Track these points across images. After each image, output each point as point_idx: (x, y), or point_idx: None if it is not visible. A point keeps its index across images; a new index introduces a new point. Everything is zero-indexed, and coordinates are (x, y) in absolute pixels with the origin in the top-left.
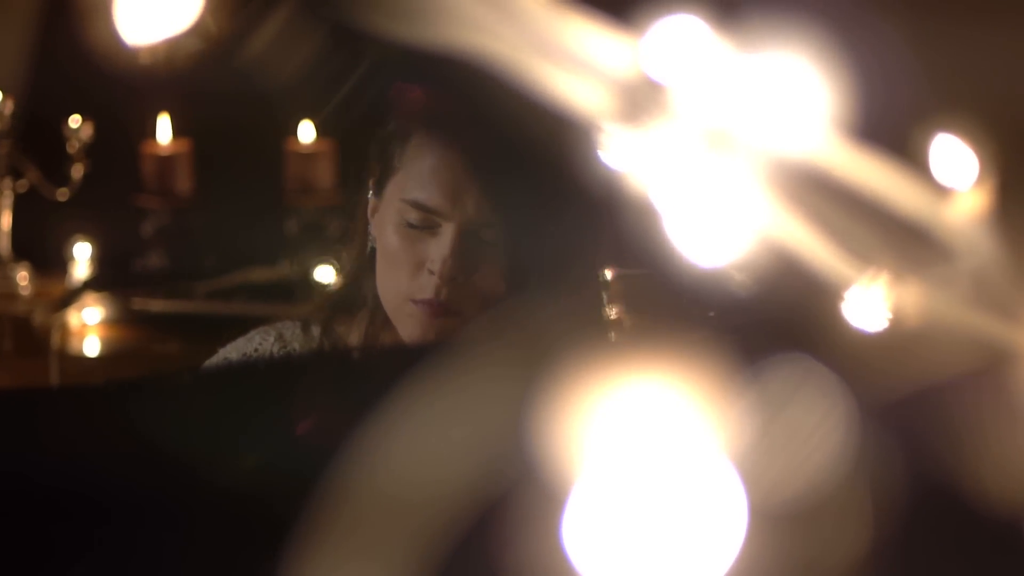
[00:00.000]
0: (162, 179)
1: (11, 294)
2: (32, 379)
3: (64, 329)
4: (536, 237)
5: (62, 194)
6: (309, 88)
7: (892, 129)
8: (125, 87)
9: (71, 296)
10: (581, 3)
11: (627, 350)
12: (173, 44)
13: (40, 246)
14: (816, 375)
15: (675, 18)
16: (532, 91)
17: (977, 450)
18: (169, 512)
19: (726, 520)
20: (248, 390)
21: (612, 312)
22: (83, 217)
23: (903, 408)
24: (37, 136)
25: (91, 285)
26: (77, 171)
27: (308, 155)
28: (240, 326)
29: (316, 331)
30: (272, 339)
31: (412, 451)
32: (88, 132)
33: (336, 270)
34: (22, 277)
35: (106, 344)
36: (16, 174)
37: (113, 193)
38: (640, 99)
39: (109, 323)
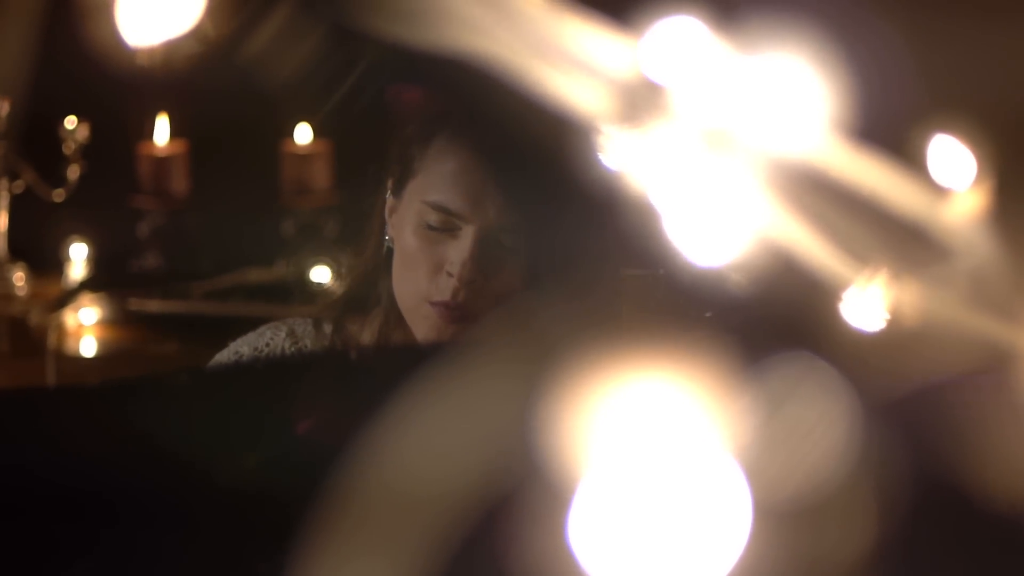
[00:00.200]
0: (158, 180)
1: (7, 295)
2: (29, 379)
3: (60, 329)
4: (555, 242)
5: (58, 195)
6: (307, 89)
7: (890, 130)
8: (121, 88)
9: (67, 297)
10: (580, 5)
11: (631, 349)
12: (172, 46)
13: (36, 247)
14: (819, 373)
15: (674, 19)
16: (535, 93)
17: (980, 448)
18: (167, 511)
19: (731, 517)
20: (247, 390)
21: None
22: (79, 218)
23: (905, 406)
24: (33, 137)
25: (87, 286)
26: (73, 172)
27: (304, 156)
28: (236, 326)
29: (328, 329)
30: (283, 335)
31: (419, 449)
32: (84, 133)
33: (339, 269)
34: (18, 278)
35: (102, 344)
36: (12, 175)
37: (109, 194)
38: (639, 100)
39: (105, 323)
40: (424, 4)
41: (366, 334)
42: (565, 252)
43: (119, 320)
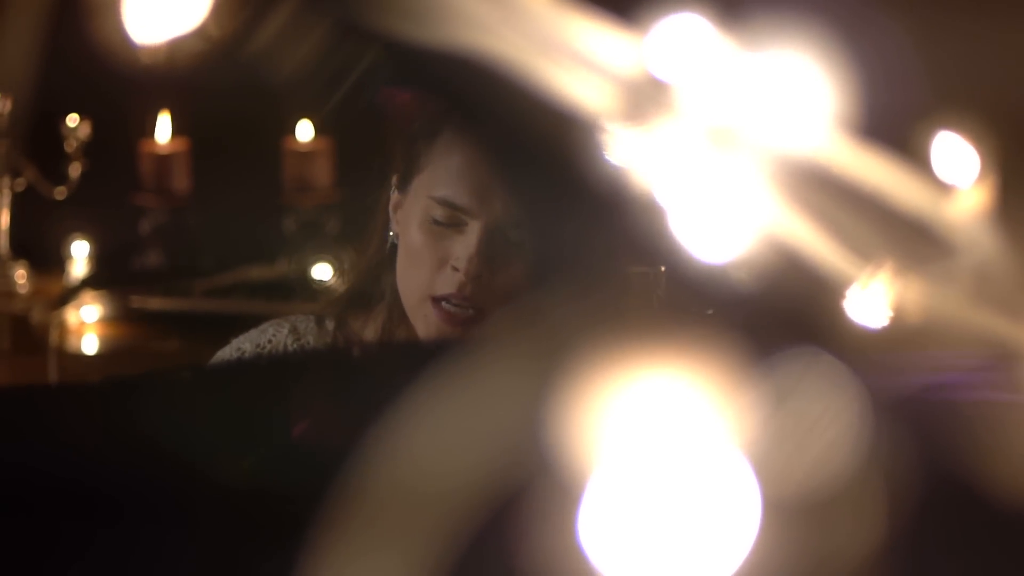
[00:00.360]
0: (160, 178)
1: (9, 292)
2: (30, 377)
3: (62, 327)
4: (561, 237)
5: (60, 192)
6: (309, 86)
7: (894, 127)
8: (123, 86)
9: (69, 294)
10: (586, 2)
11: (640, 345)
12: (176, 44)
13: (38, 244)
14: (827, 368)
15: (679, 17)
16: (541, 90)
17: (987, 444)
18: (169, 509)
19: (740, 513)
20: (249, 388)
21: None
22: (81, 215)
23: (913, 401)
24: (35, 135)
25: (89, 283)
26: (75, 170)
27: (306, 154)
28: (238, 324)
29: (330, 325)
30: (286, 331)
31: (429, 446)
32: (86, 131)
33: (341, 266)
34: (20, 275)
35: (104, 342)
36: (14, 172)
37: (111, 191)
38: (644, 97)
39: (107, 321)
40: (429, 1)
41: (369, 331)
42: (571, 248)
43: (121, 318)
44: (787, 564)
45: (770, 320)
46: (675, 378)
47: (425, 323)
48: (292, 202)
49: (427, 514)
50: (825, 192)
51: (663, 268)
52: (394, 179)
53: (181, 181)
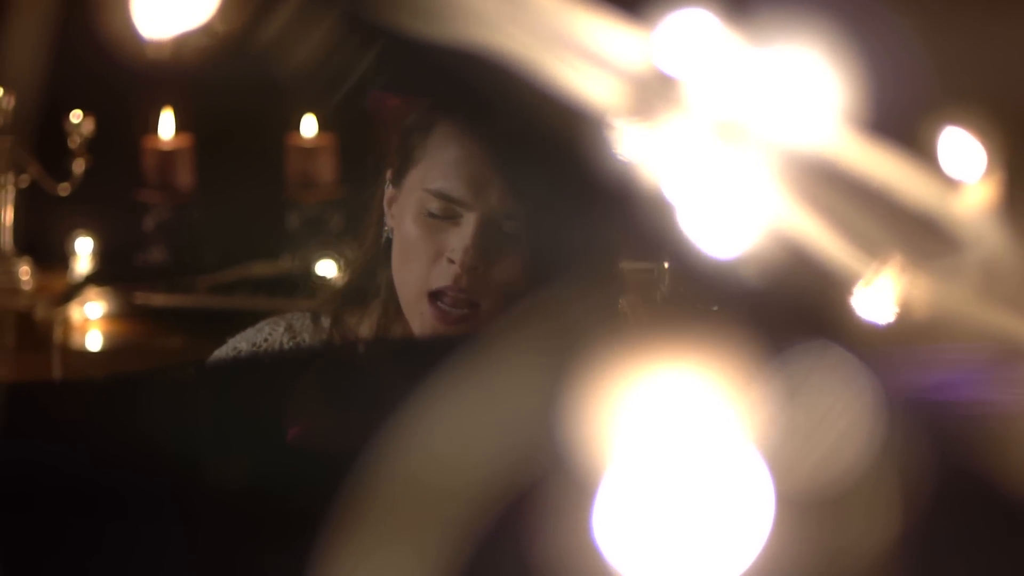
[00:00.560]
0: (164, 174)
1: (13, 289)
2: (34, 374)
3: (66, 324)
4: (557, 230)
5: (64, 189)
6: (313, 82)
7: (901, 122)
8: (127, 82)
9: (73, 291)
10: None
11: (653, 341)
12: (182, 40)
13: (42, 241)
14: (841, 363)
15: (687, 12)
16: (546, 85)
17: (999, 440)
18: (167, 507)
19: (754, 508)
20: (249, 388)
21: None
22: (85, 212)
23: (925, 397)
24: (39, 131)
25: (93, 280)
26: (79, 166)
27: (310, 149)
28: (242, 320)
29: (326, 322)
30: (282, 330)
31: (444, 442)
32: (89, 127)
33: (341, 263)
34: (24, 272)
35: (108, 339)
36: (18, 169)
37: (115, 188)
38: (652, 93)
39: (111, 318)
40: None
41: (365, 327)
42: (567, 240)
43: (124, 314)
44: (800, 559)
45: (778, 315)
46: (688, 374)
47: (421, 321)
48: (296, 198)
49: (441, 511)
50: (832, 187)
51: (666, 264)
52: (389, 174)
53: (185, 177)
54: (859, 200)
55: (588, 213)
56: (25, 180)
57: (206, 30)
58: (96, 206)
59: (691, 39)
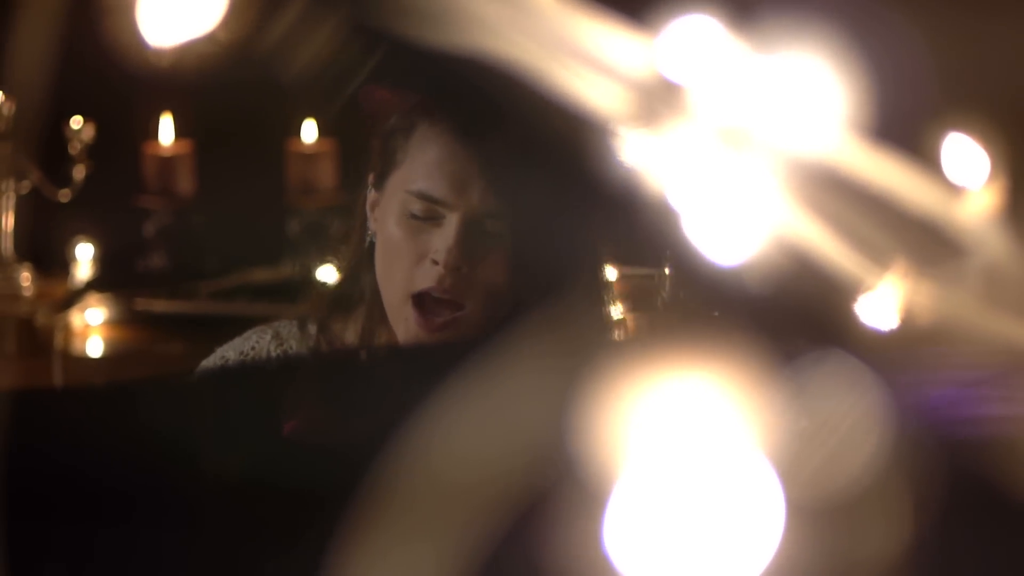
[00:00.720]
0: (164, 179)
1: (14, 295)
2: (35, 380)
3: (67, 330)
4: (540, 229)
5: (64, 195)
6: (314, 88)
7: (905, 128)
8: (127, 88)
9: (74, 297)
10: (596, 3)
11: (662, 348)
12: (187, 48)
13: (43, 247)
14: (850, 370)
15: (691, 18)
16: (544, 88)
17: (1009, 448)
18: (175, 509)
19: (764, 516)
20: (240, 392)
21: (618, 311)
22: (85, 218)
23: (935, 405)
24: (39, 137)
25: (94, 286)
26: (79, 172)
27: (310, 155)
28: (242, 326)
29: (313, 329)
30: (269, 338)
31: (456, 448)
32: (90, 133)
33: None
34: (25, 278)
35: (109, 345)
36: (19, 175)
37: (115, 194)
38: (657, 99)
39: (112, 324)
40: (437, 3)
41: (350, 333)
42: (552, 241)
43: (125, 320)
44: (811, 567)
45: (781, 321)
46: (698, 382)
47: (405, 326)
48: (296, 204)
49: (451, 519)
50: (836, 194)
51: (667, 269)
52: (370, 177)
53: (185, 183)
54: (863, 206)
55: (571, 213)
56: (26, 186)
57: (210, 38)
58: (97, 212)
59: (695, 45)
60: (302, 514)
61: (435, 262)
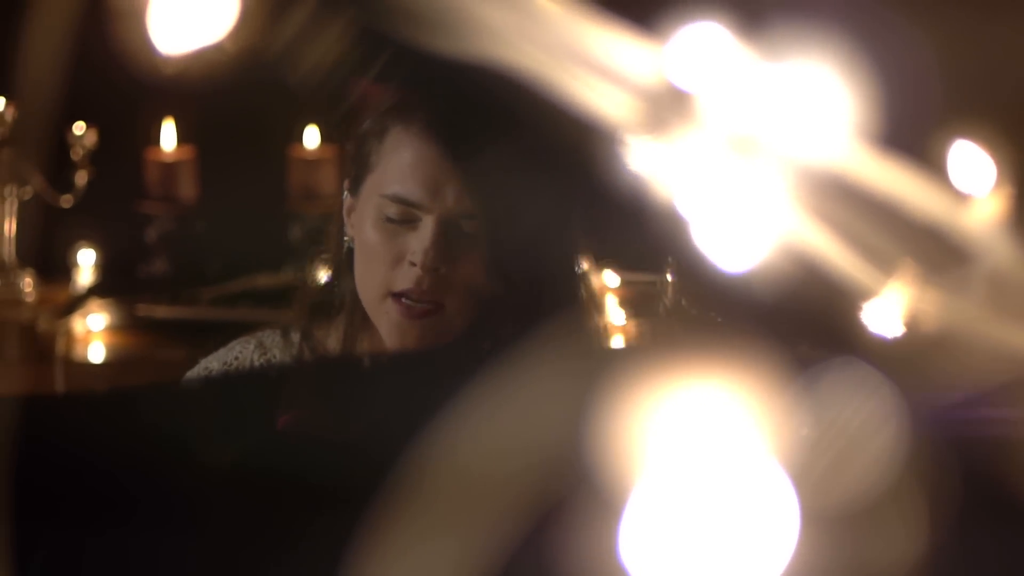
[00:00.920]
0: (166, 185)
1: (16, 301)
2: (38, 386)
3: (69, 335)
4: (516, 228)
5: (66, 200)
6: (316, 94)
7: (912, 135)
8: (129, 94)
9: (76, 302)
10: (605, 11)
11: (680, 358)
12: (196, 55)
13: (44, 253)
14: (865, 377)
15: (699, 26)
16: (550, 95)
17: (1019, 449)
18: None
19: (779, 524)
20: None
21: (620, 316)
22: (87, 223)
23: (950, 413)
24: (42, 142)
25: (96, 291)
26: (81, 178)
27: (312, 161)
28: (244, 332)
29: (295, 337)
30: (252, 347)
31: (472, 454)
32: (92, 139)
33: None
34: (27, 284)
35: (111, 350)
36: (21, 180)
37: (117, 199)
38: (664, 107)
39: (114, 329)
40: (444, 10)
41: (332, 339)
42: (528, 240)
43: (127, 326)
44: (826, 574)
45: (788, 328)
46: (714, 390)
47: (387, 320)
48: (299, 210)
49: (467, 525)
50: (843, 201)
51: (669, 276)
52: (346, 183)
53: (187, 189)
54: (869, 213)
55: (546, 211)
56: (28, 192)
57: (219, 47)
58: (99, 218)
59: (704, 53)
60: (302, 514)
61: (412, 264)
